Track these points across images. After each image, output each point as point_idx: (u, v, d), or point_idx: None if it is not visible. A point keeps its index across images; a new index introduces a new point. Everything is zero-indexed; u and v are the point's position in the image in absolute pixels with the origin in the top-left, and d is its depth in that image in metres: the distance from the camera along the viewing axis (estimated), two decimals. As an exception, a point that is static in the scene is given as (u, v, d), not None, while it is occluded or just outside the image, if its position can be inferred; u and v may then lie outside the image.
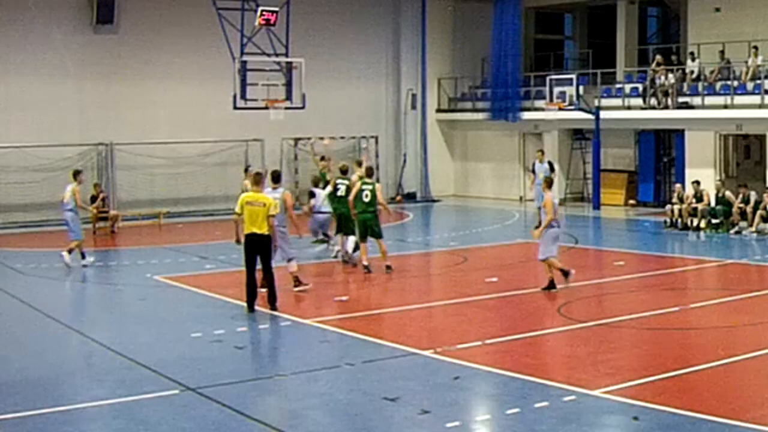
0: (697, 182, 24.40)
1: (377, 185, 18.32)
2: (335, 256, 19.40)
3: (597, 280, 17.70)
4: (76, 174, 19.77)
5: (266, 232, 14.35)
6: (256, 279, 14.61)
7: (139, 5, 28.89)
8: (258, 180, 14.76)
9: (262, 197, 14.47)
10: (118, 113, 28.57)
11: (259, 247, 14.40)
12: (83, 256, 19.33)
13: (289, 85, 25.04)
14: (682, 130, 28.08)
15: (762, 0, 27.54)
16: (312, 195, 19.51)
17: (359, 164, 19.21)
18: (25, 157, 26.79)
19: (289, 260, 16.10)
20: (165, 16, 29.27)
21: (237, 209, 14.66)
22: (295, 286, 16.09)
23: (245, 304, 14.54)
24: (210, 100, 28.61)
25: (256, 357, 12.22)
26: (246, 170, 22.15)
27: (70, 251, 19.21)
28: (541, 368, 11.12)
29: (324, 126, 31.24)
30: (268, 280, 14.61)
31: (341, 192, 18.74)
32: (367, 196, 17.92)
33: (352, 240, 18.81)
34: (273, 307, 14.53)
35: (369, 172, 18.43)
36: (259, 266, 14.55)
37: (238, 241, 15.09)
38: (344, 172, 19.06)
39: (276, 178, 16.15)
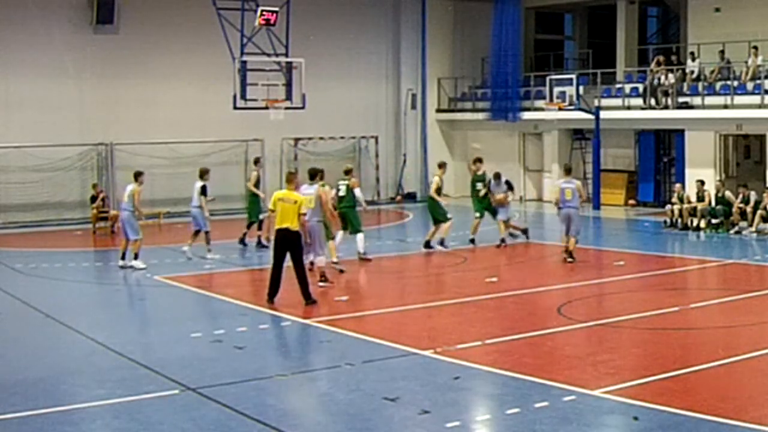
0: (702, 181, 24.36)
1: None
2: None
3: (597, 280, 17.71)
4: (138, 175, 19.22)
5: (296, 229, 14.81)
6: (282, 273, 15.00)
7: (139, 5, 28.87)
8: (290, 178, 15.41)
9: (293, 195, 15.01)
10: (118, 113, 28.57)
11: (289, 243, 14.82)
12: (135, 257, 18.79)
13: (289, 85, 25.05)
14: (682, 130, 28.08)
15: (762, 0, 27.54)
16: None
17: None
18: (25, 157, 26.79)
19: (318, 256, 16.43)
20: (165, 16, 29.26)
21: (270, 206, 15.30)
22: (321, 281, 16.44)
23: (266, 295, 15.00)
24: (210, 100, 28.60)
25: (256, 357, 12.21)
26: (256, 162, 22.55)
27: (135, 256, 18.79)
28: (541, 368, 11.11)
29: (324, 126, 31.29)
30: (300, 276, 14.93)
31: (342, 192, 19.34)
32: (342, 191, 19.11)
33: (360, 237, 19.37)
34: (309, 302, 14.90)
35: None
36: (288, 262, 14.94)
37: (267, 239, 15.38)
38: (347, 172, 19.73)
39: (312, 175, 16.79)
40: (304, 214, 15.03)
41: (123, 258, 18.89)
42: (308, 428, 9.34)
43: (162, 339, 13.25)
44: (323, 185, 17.25)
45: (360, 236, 19.35)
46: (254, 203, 21.66)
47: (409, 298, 16.16)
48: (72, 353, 12.60)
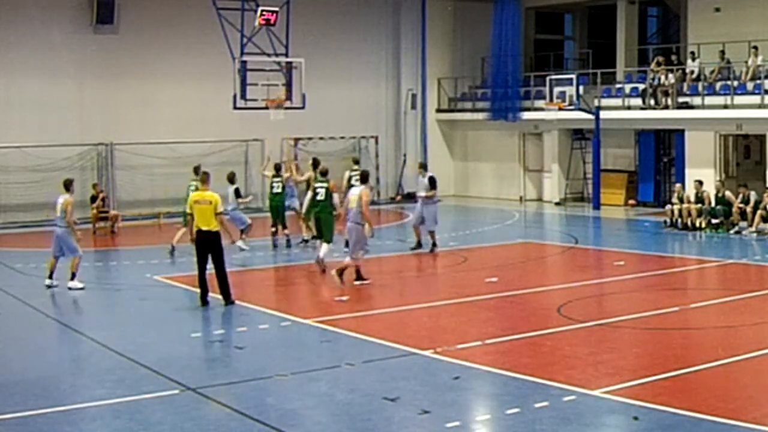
0: (700, 182, 24.36)
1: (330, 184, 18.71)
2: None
3: (597, 280, 17.72)
4: (68, 184, 17.35)
5: (215, 229, 14.97)
6: (207, 275, 15.14)
7: (139, 5, 28.89)
8: (205, 179, 15.53)
9: (209, 195, 15.12)
10: (118, 113, 28.59)
11: (209, 244, 14.98)
12: (73, 276, 16.95)
13: (289, 85, 25.05)
14: (682, 130, 28.08)
15: (762, 0, 27.54)
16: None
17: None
18: (25, 157, 26.79)
19: (359, 253, 16.70)
20: (165, 16, 29.27)
21: (188, 209, 15.49)
22: (357, 279, 16.77)
23: (199, 299, 15.17)
24: (210, 100, 28.60)
25: (256, 357, 12.21)
26: (195, 170, 20.54)
27: (73, 275, 16.96)
28: (541, 368, 11.11)
29: (324, 126, 31.29)
30: (220, 277, 15.08)
31: (320, 196, 18.60)
32: (320, 195, 18.58)
33: (325, 247, 18.21)
34: (228, 302, 15.05)
35: (323, 172, 19.00)
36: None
37: (192, 240, 15.35)
38: (324, 174, 18.94)
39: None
40: (222, 213, 15.16)
41: (50, 277, 17.04)
42: (308, 428, 9.34)
43: (162, 339, 13.25)
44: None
45: (327, 247, 18.16)
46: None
47: (409, 298, 16.16)
48: (72, 353, 12.61)
